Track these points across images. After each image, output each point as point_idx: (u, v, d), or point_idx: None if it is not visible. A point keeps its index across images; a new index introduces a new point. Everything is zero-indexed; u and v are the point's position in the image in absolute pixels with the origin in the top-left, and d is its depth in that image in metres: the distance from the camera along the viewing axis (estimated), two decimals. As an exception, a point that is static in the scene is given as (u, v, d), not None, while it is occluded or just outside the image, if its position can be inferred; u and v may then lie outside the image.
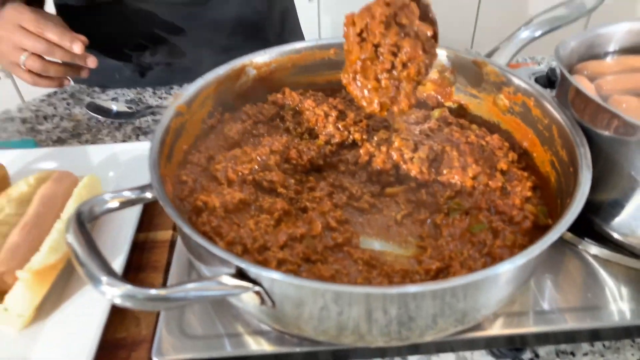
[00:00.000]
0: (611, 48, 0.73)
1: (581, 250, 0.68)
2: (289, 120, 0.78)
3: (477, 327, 0.59)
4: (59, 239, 0.63)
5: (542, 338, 0.62)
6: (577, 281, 0.65)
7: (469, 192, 0.66)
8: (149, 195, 0.56)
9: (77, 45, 0.87)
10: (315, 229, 0.61)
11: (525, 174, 0.68)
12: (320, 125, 0.76)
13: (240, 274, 0.48)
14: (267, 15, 1.22)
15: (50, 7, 1.13)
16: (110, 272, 0.45)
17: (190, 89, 0.70)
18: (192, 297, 0.47)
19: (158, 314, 0.63)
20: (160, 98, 1.14)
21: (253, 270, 0.47)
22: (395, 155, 0.69)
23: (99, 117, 1.05)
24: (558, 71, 0.67)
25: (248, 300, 0.50)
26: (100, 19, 1.11)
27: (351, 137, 0.75)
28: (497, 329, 0.60)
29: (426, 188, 0.68)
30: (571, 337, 0.62)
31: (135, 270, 0.69)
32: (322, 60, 0.81)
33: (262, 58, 0.78)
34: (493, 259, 0.58)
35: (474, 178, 0.66)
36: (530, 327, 0.60)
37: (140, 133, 1.02)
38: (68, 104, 1.12)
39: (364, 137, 0.75)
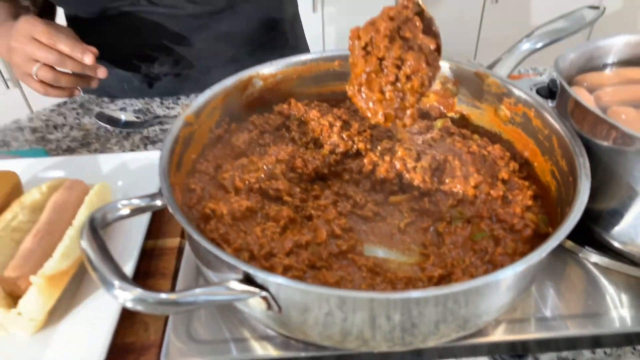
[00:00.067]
0: (610, 60, 0.74)
1: (582, 258, 0.69)
2: (295, 130, 0.80)
3: (479, 333, 0.60)
4: (71, 245, 0.65)
5: (543, 344, 0.63)
6: (578, 288, 0.66)
7: (471, 201, 0.67)
8: (158, 203, 0.58)
9: (88, 56, 0.89)
10: (320, 236, 0.62)
11: (526, 183, 0.69)
12: (325, 135, 0.77)
13: (248, 280, 0.49)
14: (273, 27, 1.24)
15: (61, 18, 1.16)
16: (122, 276, 0.47)
17: (198, 100, 0.72)
18: (201, 302, 0.48)
19: (166, 320, 0.64)
20: (168, 108, 1.16)
21: (260, 275, 0.48)
22: (398, 165, 0.71)
23: (108, 126, 1.07)
24: (558, 82, 0.69)
25: (255, 305, 0.51)
26: (109, 31, 1.13)
27: (355, 146, 0.76)
28: (499, 335, 0.61)
29: (429, 197, 0.70)
30: (572, 343, 0.63)
31: (144, 276, 0.71)
32: (327, 71, 0.83)
33: (268, 70, 0.80)
34: (494, 266, 0.59)
35: (475, 187, 0.68)
36: (532, 334, 0.61)
37: (148, 142, 1.04)
38: (78, 113, 1.14)
39: (368, 146, 0.76)
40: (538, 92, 1.00)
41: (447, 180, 0.69)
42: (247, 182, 0.68)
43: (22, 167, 0.85)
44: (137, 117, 1.09)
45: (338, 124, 0.78)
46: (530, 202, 0.66)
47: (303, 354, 0.60)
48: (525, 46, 0.78)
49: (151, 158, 0.89)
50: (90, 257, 0.48)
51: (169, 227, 0.79)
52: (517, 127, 0.74)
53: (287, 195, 0.68)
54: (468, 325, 0.54)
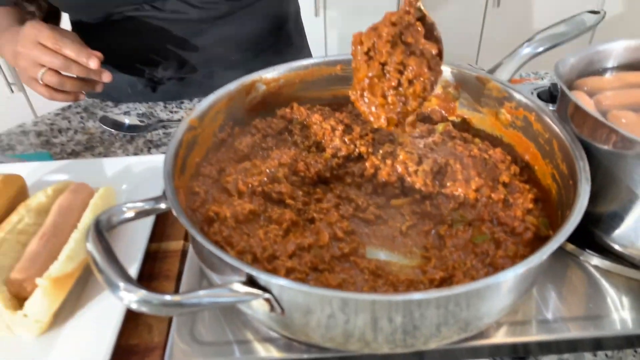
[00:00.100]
0: (609, 64, 0.75)
1: (583, 261, 0.70)
2: (297, 134, 0.80)
3: (481, 335, 0.61)
4: (76, 248, 0.65)
5: (545, 347, 0.63)
6: (580, 291, 0.67)
7: (472, 204, 0.68)
8: (163, 206, 0.58)
9: (93, 61, 0.90)
10: (323, 239, 0.63)
11: (527, 186, 0.69)
12: (327, 138, 0.78)
13: (251, 282, 0.50)
14: (277, 30, 1.25)
15: (65, 23, 1.17)
16: (127, 278, 0.47)
17: (202, 104, 0.73)
18: (205, 303, 0.49)
19: (170, 322, 0.65)
20: (171, 112, 1.17)
21: (263, 277, 0.49)
22: (400, 168, 0.71)
23: (112, 130, 1.08)
24: (559, 87, 0.69)
25: (258, 307, 0.52)
26: (114, 35, 1.14)
27: (357, 150, 0.77)
28: (500, 337, 0.61)
29: (430, 200, 0.70)
30: (574, 346, 0.64)
31: (148, 278, 0.72)
32: (329, 76, 0.84)
33: (271, 74, 0.81)
34: (495, 268, 0.59)
35: (476, 190, 0.68)
36: (533, 336, 0.62)
37: (151, 146, 1.05)
38: (82, 117, 1.15)
39: (370, 150, 0.77)
40: (539, 96, 1.00)
41: (448, 184, 0.70)
42: (250, 185, 0.68)
43: (28, 170, 0.86)
44: (141, 121, 1.10)
45: (340, 127, 0.78)
46: (531, 206, 0.66)
47: (305, 356, 0.60)
48: (526, 51, 0.79)
49: (155, 161, 0.89)
50: (96, 259, 0.49)
51: (173, 230, 0.79)
52: (517, 131, 0.75)
53: (289, 199, 0.69)
54: (469, 327, 0.54)
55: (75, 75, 0.94)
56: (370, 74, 0.65)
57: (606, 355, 0.64)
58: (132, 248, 0.71)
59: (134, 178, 0.87)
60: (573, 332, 0.62)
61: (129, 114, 1.15)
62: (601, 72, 0.75)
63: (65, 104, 1.18)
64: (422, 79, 0.64)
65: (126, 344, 0.63)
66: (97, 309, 0.65)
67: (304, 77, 0.83)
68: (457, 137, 0.78)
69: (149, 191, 0.80)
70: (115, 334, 0.61)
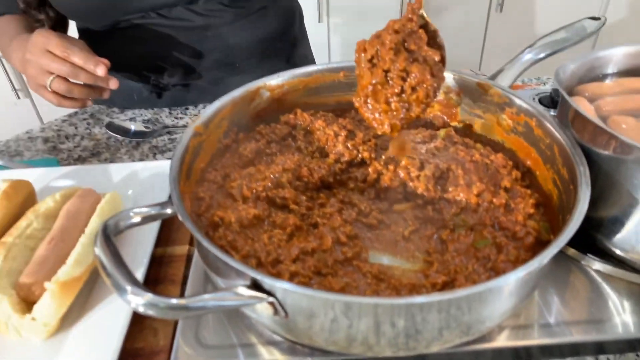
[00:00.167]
0: (610, 70, 0.75)
1: (584, 265, 0.70)
2: (301, 139, 0.81)
3: (483, 339, 0.61)
4: (84, 252, 0.66)
5: (547, 350, 0.64)
6: (581, 295, 0.67)
7: (474, 209, 0.69)
8: (168, 211, 0.59)
9: (100, 68, 0.91)
10: (326, 243, 0.63)
11: (528, 191, 0.70)
12: (331, 144, 0.79)
13: (255, 286, 0.50)
14: (280, 38, 1.27)
15: (73, 31, 1.19)
16: (134, 282, 0.48)
17: (207, 111, 0.74)
18: (210, 307, 0.49)
19: (175, 325, 0.66)
20: (176, 118, 1.18)
21: (267, 281, 0.49)
22: (402, 174, 0.72)
23: (118, 136, 1.09)
24: (559, 92, 0.70)
25: (262, 310, 0.52)
26: (120, 42, 1.16)
27: (360, 155, 0.78)
28: (502, 341, 0.62)
29: (432, 205, 0.71)
30: (576, 350, 0.64)
31: (154, 282, 0.72)
32: (332, 82, 0.85)
33: (275, 81, 0.82)
34: (497, 273, 0.60)
35: (478, 195, 0.69)
36: (535, 340, 0.62)
37: (157, 152, 1.06)
38: (88, 123, 1.17)
39: (372, 155, 0.77)
40: (541, 101, 1.01)
41: (450, 189, 0.71)
42: (254, 190, 0.69)
43: (35, 176, 0.87)
44: (147, 127, 1.11)
45: (343, 133, 0.79)
46: (532, 210, 0.67)
47: (309, 359, 0.61)
48: (528, 57, 0.80)
49: (160, 167, 0.90)
50: (104, 263, 0.50)
51: (178, 234, 0.80)
52: (519, 136, 0.76)
53: (293, 204, 0.70)
54: (471, 330, 0.55)
55: (82, 82, 0.96)
56: (373, 81, 0.66)
57: (608, 359, 0.65)
58: (138, 253, 0.72)
59: (140, 183, 0.88)
60: (575, 336, 0.62)
61: (134, 120, 1.16)
62: (601, 78, 0.76)
63: (72, 111, 1.20)
64: (425, 85, 0.65)
65: (132, 347, 0.64)
66: (104, 313, 0.66)
67: (307, 84, 0.84)
68: (459, 143, 0.79)
69: (155, 196, 0.81)
70: (121, 337, 0.62)
